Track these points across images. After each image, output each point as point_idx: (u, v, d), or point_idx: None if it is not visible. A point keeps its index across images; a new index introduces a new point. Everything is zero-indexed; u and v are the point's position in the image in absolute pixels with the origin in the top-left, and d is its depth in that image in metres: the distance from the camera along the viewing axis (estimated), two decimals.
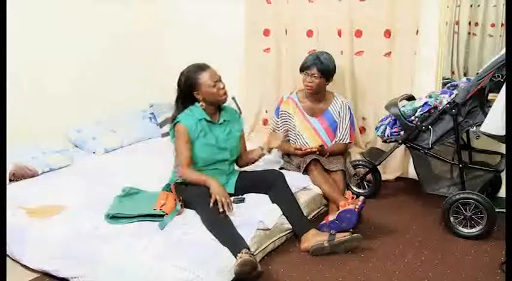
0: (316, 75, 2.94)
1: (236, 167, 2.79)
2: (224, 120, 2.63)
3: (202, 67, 2.53)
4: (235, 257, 2.10)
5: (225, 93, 2.56)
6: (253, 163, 2.81)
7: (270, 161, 3.04)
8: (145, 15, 3.98)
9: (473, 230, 2.55)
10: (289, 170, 2.97)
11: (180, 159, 2.52)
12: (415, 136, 2.75)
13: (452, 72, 3.24)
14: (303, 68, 3.00)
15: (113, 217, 2.34)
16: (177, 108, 2.59)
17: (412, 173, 3.17)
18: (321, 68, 2.94)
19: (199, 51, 3.76)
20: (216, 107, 2.61)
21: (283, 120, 3.14)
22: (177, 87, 2.58)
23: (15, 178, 2.84)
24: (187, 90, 2.53)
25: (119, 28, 3.75)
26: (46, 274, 2.26)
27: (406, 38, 3.16)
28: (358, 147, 3.46)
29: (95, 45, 3.61)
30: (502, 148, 2.74)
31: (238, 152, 2.72)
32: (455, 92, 2.66)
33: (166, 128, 3.33)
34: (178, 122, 2.52)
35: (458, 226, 2.58)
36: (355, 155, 3.34)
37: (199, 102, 2.55)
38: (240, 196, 2.60)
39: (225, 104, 2.64)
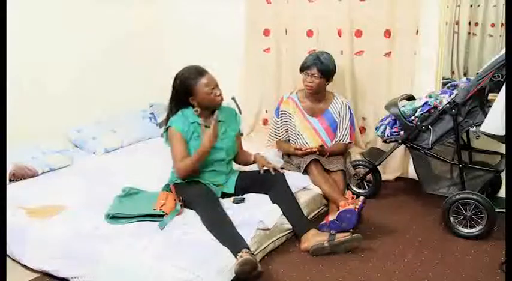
0: (316, 75, 2.94)
1: (235, 167, 2.79)
2: (219, 121, 2.62)
3: (199, 72, 2.50)
4: (235, 256, 2.10)
5: (222, 99, 2.54)
6: (247, 165, 2.82)
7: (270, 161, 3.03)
8: (145, 15, 3.98)
9: (473, 230, 2.55)
10: (289, 170, 2.96)
11: (175, 158, 2.51)
12: (415, 136, 2.75)
13: (452, 72, 3.24)
14: (303, 68, 3.00)
15: (113, 217, 2.34)
16: (170, 110, 2.59)
17: (412, 173, 3.16)
18: (321, 68, 2.94)
19: (199, 52, 3.78)
20: (211, 110, 2.59)
21: (283, 120, 3.14)
22: (172, 89, 2.56)
23: (15, 178, 2.84)
24: (183, 93, 2.52)
25: (119, 28, 3.75)
26: (46, 274, 2.25)
27: (406, 38, 3.16)
28: (358, 147, 3.46)
29: (95, 45, 3.61)
30: (502, 148, 2.74)
31: (235, 151, 2.72)
32: (455, 92, 2.66)
33: None
34: (170, 126, 2.52)
35: (458, 226, 2.58)
36: (355, 155, 3.34)
37: (193, 107, 2.54)
38: (240, 196, 2.60)
39: (222, 104, 2.62)
